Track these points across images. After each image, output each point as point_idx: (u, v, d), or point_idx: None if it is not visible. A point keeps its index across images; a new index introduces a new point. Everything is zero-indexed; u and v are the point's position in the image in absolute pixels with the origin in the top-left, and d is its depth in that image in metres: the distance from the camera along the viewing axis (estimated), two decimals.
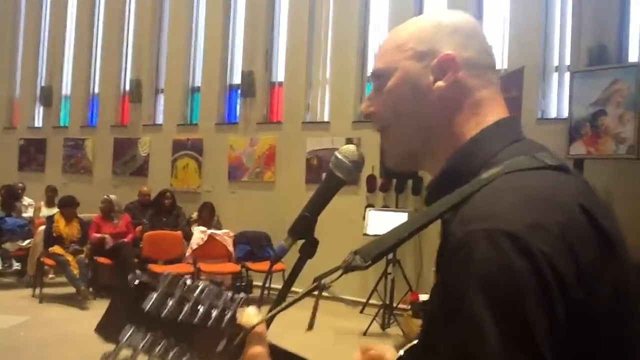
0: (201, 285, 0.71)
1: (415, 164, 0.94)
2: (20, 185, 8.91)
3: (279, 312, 0.81)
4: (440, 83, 0.87)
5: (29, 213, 8.55)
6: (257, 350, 0.78)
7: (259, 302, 0.99)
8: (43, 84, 10.79)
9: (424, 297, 5.57)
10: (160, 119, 9.36)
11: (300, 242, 0.96)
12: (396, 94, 0.89)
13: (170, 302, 0.66)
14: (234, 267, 7.06)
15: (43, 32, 10.95)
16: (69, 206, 7.21)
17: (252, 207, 7.96)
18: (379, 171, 6.76)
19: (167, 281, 0.67)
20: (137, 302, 0.65)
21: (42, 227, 7.22)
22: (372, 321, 5.79)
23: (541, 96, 6.37)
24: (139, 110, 9.40)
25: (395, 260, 6.00)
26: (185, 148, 8.83)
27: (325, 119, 7.83)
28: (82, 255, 6.94)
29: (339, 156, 0.97)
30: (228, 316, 0.71)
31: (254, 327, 0.76)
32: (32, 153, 10.60)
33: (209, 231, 7.25)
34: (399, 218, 5.83)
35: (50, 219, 7.18)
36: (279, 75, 8.36)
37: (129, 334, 0.64)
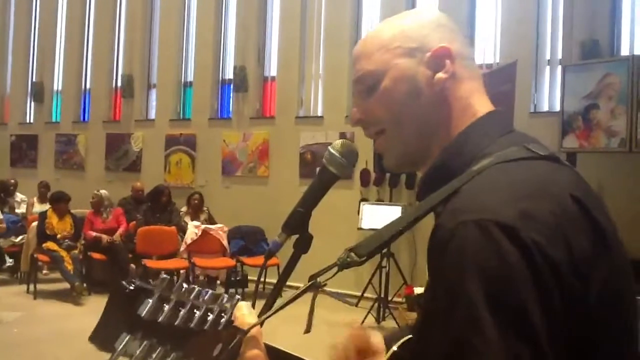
0: (197, 289, 0.70)
1: (416, 163, 0.92)
2: (12, 181, 8.86)
3: (273, 314, 0.81)
4: (440, 75, 0.86)
5: (21, 209, 8.52)
6: (254, 352, 0.78)
7: (254, 297, 0.99)
8: (34, 80, 10.71)
9: (418, 290, 5.60)
10: (152, 114, 9.32)
11: (295, 237, 0.96)
12: (392, 93, 0.88)
13: (167, 308, 0.66)
14: (228, 262, 7.05)
15: (34, 27, 10.86)
16: (59, 202, 7.17)
17: (246, 202, 7.96)
18: (373, 165, 6.76)
19: (163, 286, 0.66)
20: (133, 308, 0.64)
21: (35, 223, 7.19)
22: (367, 314, 5.81)
23: (534, 90, 6.39)
24: (131, 105, 9.36)
25: (390, 254, 6.02)
26: (178, 143, 8.81)
27: (319, 113, 7.83)
28: (76, 251, 6.93)
29: (332, 151, 0.97)
30: (224, 320, 0.71)
31: (249, 329, 0.76)
32: (23, 149, 10.54)
33: (203, 226, 7.25)
34: (393, 212, 5.85)
35: (42, 215, 7.15)
36: (272, 69, 8.34)
37: (124, 342, 0.64)
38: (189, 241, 7.09)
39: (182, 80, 9.11)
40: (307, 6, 7.92)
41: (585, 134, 5.19)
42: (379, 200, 6.90)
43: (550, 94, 6.37)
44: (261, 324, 0.79)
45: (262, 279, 5.70)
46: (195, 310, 0.68)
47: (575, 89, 5.25)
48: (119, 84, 9.62)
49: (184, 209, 7.80)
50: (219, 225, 7.41)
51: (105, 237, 7.07)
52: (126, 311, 0.64)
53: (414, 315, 5.23)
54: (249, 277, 7.10)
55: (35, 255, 6.92)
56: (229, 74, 8.59)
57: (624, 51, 5.91)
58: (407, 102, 0.87)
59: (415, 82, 0.87)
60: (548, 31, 6.42)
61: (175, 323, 0.66)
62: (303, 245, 0.94)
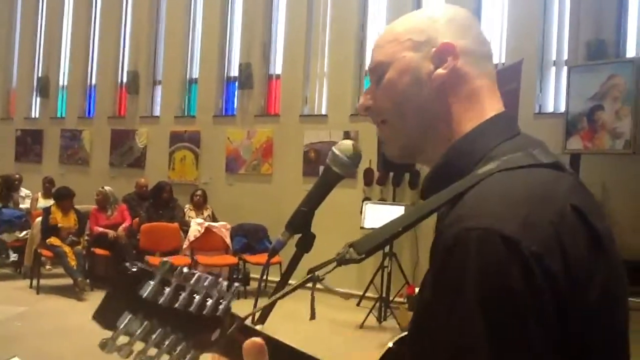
0: (197, 274, 0.71)
1: (415, 155, 0.94)
2: (17, 176, 8.89)
3: (270, 304, 0.81)
4: (440, 71, 0.87)
5: (26, 204, 8.54)
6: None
7: (256, 295, 0.99)
8: (40, 75, 10.73)
9: None
10: (157, 111, 9.34)
11: (298, 236, 0.96)
12: (395, 85, 0.89)
13: (167, 290, 0.67)
14: (231, 260, 7.07)
15: (40, 22, 10.88)
16: (64, 198, 7.18)
17: (249, 200, 7.97)
18: (377, 164, 6.76)
19: (164, 269, 0.67)
20: (135, 290, 0.66)
21: (40, 219, 7.22)
22: (368, 314, 5.81)
23: (539, 90, 6.37)
24: (136, 101, 9.38)
25: (392, 254, 6.02)
26: (182, 140, 8.82)
27: (323, 112, 7.82)
28: (80, 247, 6.95)
29: (336, 151, 0.97)
30: (223, 305, 0.72)
31: (247, 316, 0.77)
32: (28, 144, 10.57)
33: (206, 223, 7.26)
34: (396, 211, 5.84)
35: (47, 210, 7.17)
36: (277, 67, 8.34)
37: (126, 320, 0.65)
38: (192, 238, 7.11)
39: (187, 77, 9.12)
40: (314, 4, 7.92)
41: (589, 135, 5.17)
42: (382, 200, 6.89)
43: (555, 95, 6.36)
44: (263, 321, 0.80)
45: (264, 277, 5.71)
46: (194, 295, 0.69)
47: (580, 90, 5.24)
48: (125, 80, 9.64)
49: (188, 205, 7.81)
50: (222, 222, 7.42)
51: (111, 233, 7.10)
52: (128, 292, 0.65)
53: None
54: (251, 275, 7.11)
55: (38, 251, 6.95)
56: (234, 71, 8.60)
57: (630, 52, 5.90)
58: (409, 94, 0.88)
59: (418, 76, 0.88)
60: (554, 32, 6.41)
61: (175, 306, 0.67)
62: (305, 244, 0.95)
